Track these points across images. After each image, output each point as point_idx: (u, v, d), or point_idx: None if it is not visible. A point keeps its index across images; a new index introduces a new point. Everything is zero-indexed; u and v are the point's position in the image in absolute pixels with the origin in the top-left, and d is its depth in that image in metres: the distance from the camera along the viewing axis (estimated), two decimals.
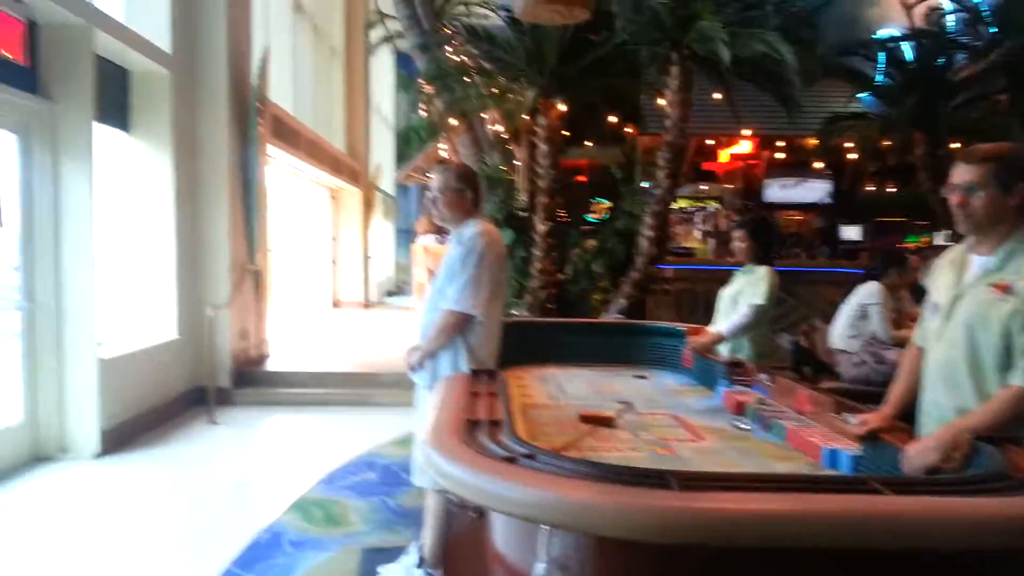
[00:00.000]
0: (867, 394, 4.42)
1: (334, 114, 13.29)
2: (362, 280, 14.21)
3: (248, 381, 6.78)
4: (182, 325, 6.24)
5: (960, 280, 2.20)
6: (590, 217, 10.49)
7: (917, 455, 1.94)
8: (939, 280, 2.32)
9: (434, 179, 3.10)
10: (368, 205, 14.68)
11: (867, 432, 2.15)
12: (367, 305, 14.24)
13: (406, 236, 19.16)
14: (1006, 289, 2.05)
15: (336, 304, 13.72)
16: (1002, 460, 1.69)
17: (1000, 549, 1.44)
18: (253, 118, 6.91)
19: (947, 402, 2.18)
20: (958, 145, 9.59)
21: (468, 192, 3.04)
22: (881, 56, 9.46)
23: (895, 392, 2.36)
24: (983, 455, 1.79)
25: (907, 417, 2.29)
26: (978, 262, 2.18)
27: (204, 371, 6.27)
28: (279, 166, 9.64)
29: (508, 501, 1.46)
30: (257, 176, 7.02)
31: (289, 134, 8.97)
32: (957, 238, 2.34)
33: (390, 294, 17.56)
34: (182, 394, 6.15)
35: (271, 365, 7.29)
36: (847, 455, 2.18)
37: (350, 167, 13.30)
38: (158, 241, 6.10)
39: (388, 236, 18.78)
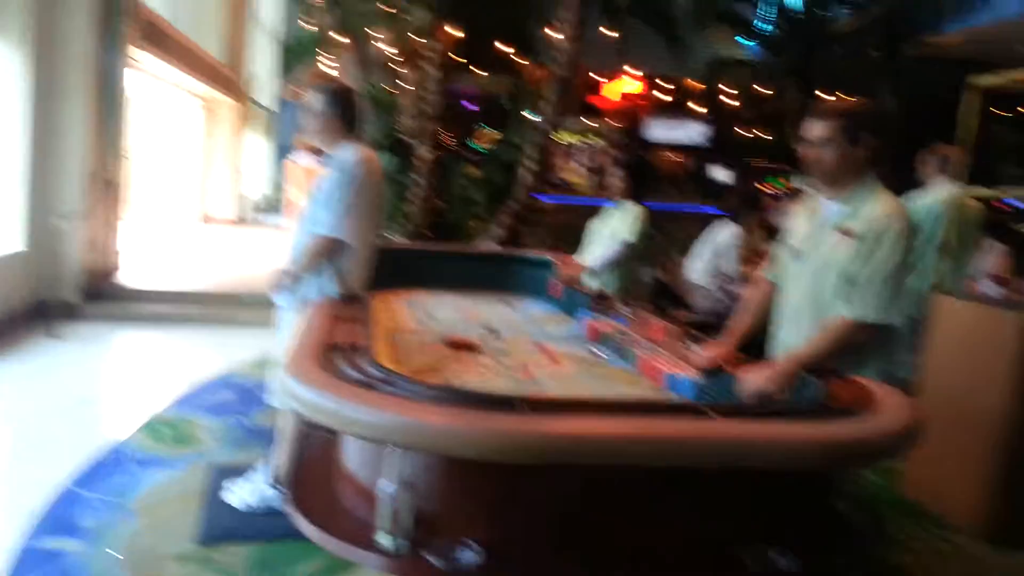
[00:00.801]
0: (718, 326, 4.70)
1: (213, 22, 12.40)
2: (234, 196, 13.58)
3: (99, 296, 6.37)
4: (29, 236, 5.77)
5: (813, 226, 2.36)
6: (477, 146, 10.39)
7: (752, 382, 2.09)
8: (796, 225, 2.49)
9: (309, 98, 2.97)
10: (244, 118, 13.94)
11: (712, 363, 2.28)
12: (239, 222, 13.66)
13: (283, 152, 18.35)
14: (849, 233, 2.22)
15: (206, 219, 13.08)
16: (823, 391, 1.85)
17: (816, 469, 1.59)
18: (118, 18, 6.35)
19: (795, 340, 2.34)
20: (823, 96, 10.09)
21: (343, 114, 2.92)
22: (772, 6, 9.71)
23: (737, 324, 2.53)
24: (807, 386, 1.95)
25: (749, 348, 2.46)
26: (829, 209, 2.34)
27: (51, 285, 5.86)
28: (149, 72, 8.97)
29: (359, 424, 1.47)
30: (119, 80, 6.49)
31: (161, 39, 8.34)
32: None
33: (264, 212, 16.90)
34: (27, 308, 5.73)
35: (127, 280, 6.90)
36: (689, 381, 2.33)
37: (227, 78, 12.52)
38: (5, 144, 5.57)
39: (265, 152, 17.93)
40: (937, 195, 4.30)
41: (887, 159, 2.37)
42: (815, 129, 2.26)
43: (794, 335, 2.36)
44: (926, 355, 3.64)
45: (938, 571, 2.93)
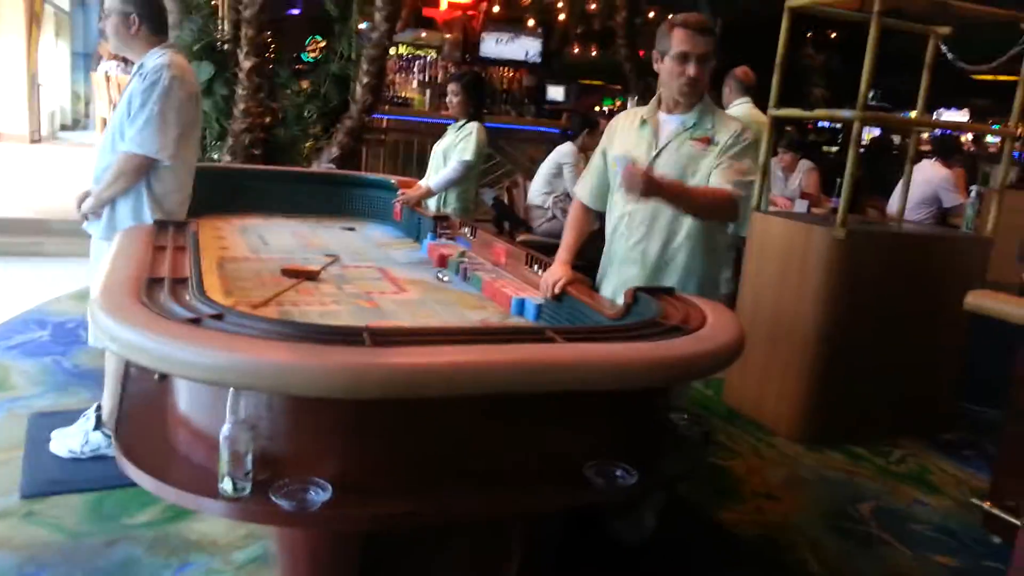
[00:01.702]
0: (556, 246, 4.83)
1: None
2: (28, 110, 12.11)
3: None
4: None
5: (656, 138, 2.43)
6: (307, 56, 9.78)
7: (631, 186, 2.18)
8: (626, 137, 2.52)
9: None
10: (34, 20, 12.31)
11: (560, 291, 2.33)
12: (36, 139, 12.26)
13: (86, 61, 16.50)
14: (708, 141, 2.36)
15: None
16: (657, 308, 1.94)
17: (652, 386, 1.68)
18: None
19: (655, 246, 2.44)
20: (652, 14, 10.32)
21: (137, 15, 2.61)
22: None
23: (569, 243, 2.57)
24: (641, 303, 2.04)
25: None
26: (674, 120, 2.42)
27: None
28: None
29: (190, 366, 1.37)
30: None
31: None
32: (647, 103, 2.55)
33: (65, 128, 15.25)
34: None
35: None
36: (533, 304, 2.38)
37: None
38: None
39: (63, 59, 16.03)
40: (739, 115, 4.52)
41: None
42: (701, 45, 2.29)
43: (654, 243, 2.44)
44: (745, 271, 3.93)
45: (760, 472, 3.23)
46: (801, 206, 5.18)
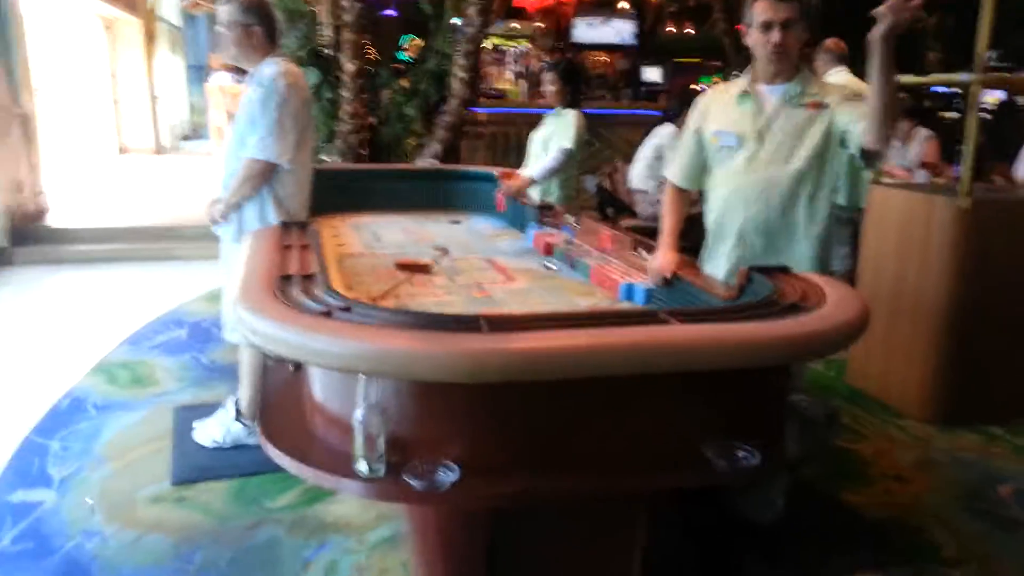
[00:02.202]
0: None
1: None
2: (151, 123, 12.92)
3: (28, 239, 6.11)
4: None
5: (759, 110, 2.39)
6: (404, 55, 10.02)
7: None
8: (726, 114, 2.48)
9: (219, 11, 2.79)
10: (150, 37, 13.11)
11: (665, 274, 2.32)
12: (159, 151, 13.07)
13: (199, 73, 17.42)
14: (819, 105, 2.32)
15: (123, 150, 12.47)
16: (771, 287, 1.91)
17: (770, 365, 1.66)
18: None
19: (776, 216, 2.41)
20: None
21: (257, 26, 2.75)
22: None
23: (671, 227, 2.55)
24: (756, 283, 2.01)
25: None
26: (777, 91, 2.38)
27: None
28: None
29: (325, 355, 1.46)
30: (9, 4, 6.01)
31: None
32: None
33: (186, 138, 16.17)
34: None
35: (54, 220, 6.60)
36: (641, 288, 2.38)
37: None
38: None
39: (178, 73, 16.99)
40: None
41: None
42: (783, 11, 2.27)
43: (774, 212, 2.41)
44: (863, 246, 3.77)
45: (889, 454, 3.12)
46: (921, 176, 4.92)
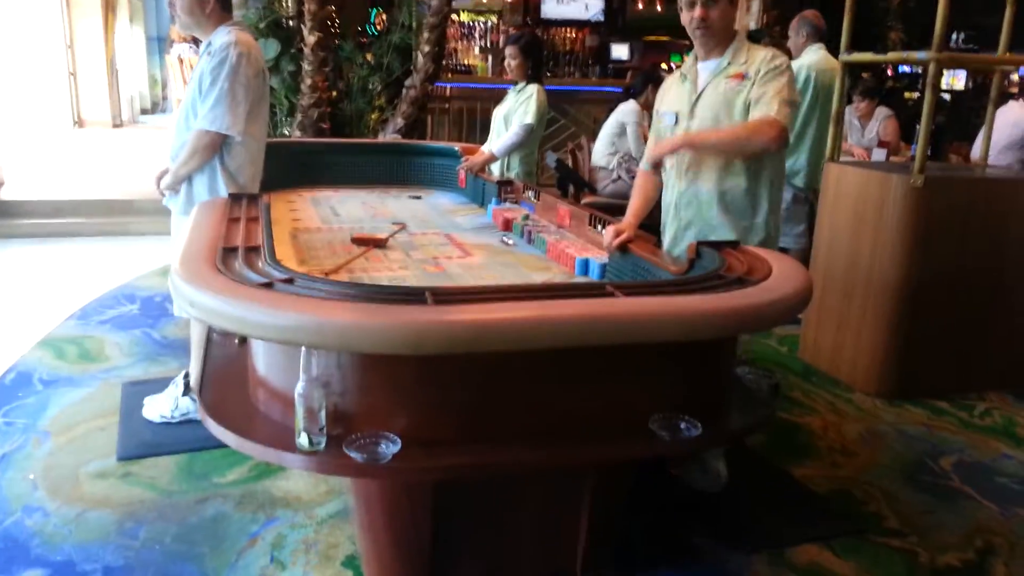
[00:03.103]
0: (622, 207, 4.79)
1: None
2: (109, 95, 12.60)
3: None
4: None
5: (695, 87, 2.48)
6: (372, 29, 9.84)
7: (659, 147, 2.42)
8: (670, 94, 2.61)
9: None
10: (109, 7, 12.75)
11: (619, 245, 2.34)
12: (118, 124, 12.78)
13: (160, 44, 17.03)
14: (742, 77, 2.38)
15: (80, 123, 12.16)
16: (720, 261, 1.92)
17: (715, 338, 1.67)
18: None
19: (704, 187, 2.49)
20: None
21: None
22: None
23: (635, 207, 2.61)
24: (705, 257, 2.03)
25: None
26: (708, 66, 2.47)
27: None
28: None
29: (264, 327, 1.44)
30: None
31: None
32: None
33: (144, 112, 15.81)
34: None
35: (6, 194, 6.43)
36: (597, 263, 2.39)
37: None
38: None
39: (138, 44, 16.58)
40: (810, 62, 4.35)
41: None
42: None
43: (703, 184, 2.48)
44: (819, 224, 3.81)
45: (837, 428, 3.17)
46: (879, 155, 4.98)
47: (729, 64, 2.42)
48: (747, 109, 2.35)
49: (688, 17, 2.40)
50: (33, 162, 7.98)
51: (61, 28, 11.78)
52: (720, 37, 2.41)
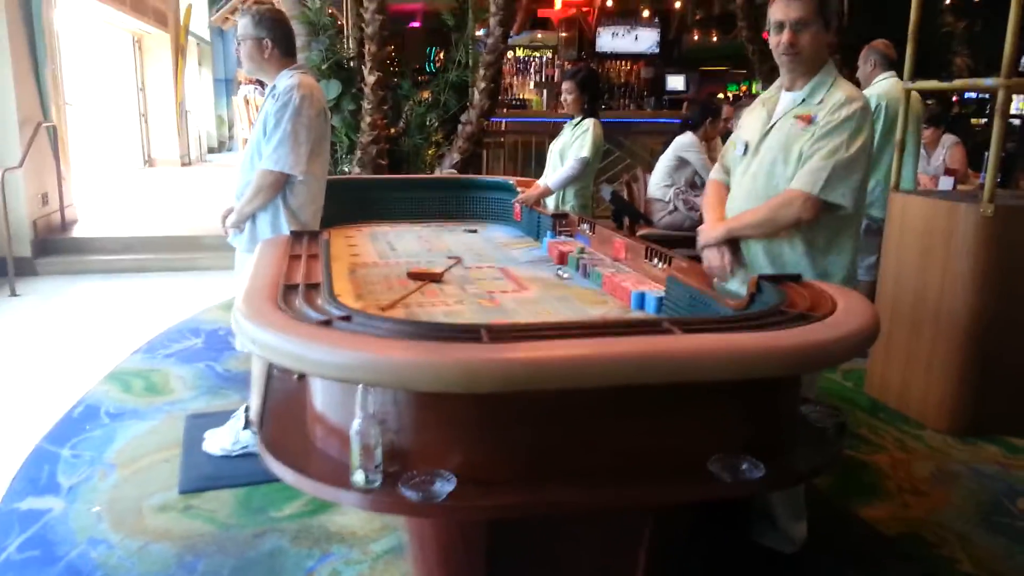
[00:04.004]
0: (679, 239, 4.74)
1: None
2: (178, 135, 13.13)
3: (53, 249, 6.24)
4: None
5: (770, 118, 2.30)
6: (432, 67, 10.06)
7: (703, 235, 2.30)
8: (749, 120, 2.43)
9: (238, 24, 2.83)
10: (180, 51, 13.34)
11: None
12: (186, 163, 13.27)
13: (226, 86, 17.72)
14: (809, 120, 2.18)
15: (150, 163, 12.68)
16: (780, 296, 1.87)
17: (776, 376, 1.62)
18: None
19: (753, 246, 2.31)
20: None
21: (269, 40, 2.78)
22: None
23: (711, 218, 2.44)
24: (766, 292, 1.98)
25: None
26: (787, 98, 2.28)
27: (1, 242, 5.69)
28: (71, 7, 8.49)
29: (322, 364, 1.45)
30: (43, 17, 6.14)
31: None
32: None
33: (212, 151, 16.41)
34: None
35: (79, 231, 6.72)
36: (653, 297, 2.35)
37: (155, 8, 11.90)
38: None
39: (206, 86, 17.28)
40: (881, 91, 4.26)
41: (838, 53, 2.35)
42: (793, 11, 2.15)
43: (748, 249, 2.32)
44: (884, 255, 3.71)
45: (907, 466, 3.05)
46: (946, 183, 4.83)
47: (804, 101, 2.23)
48: (800, 160, 2.18)
49: (776, 41, 2.20)
50: (105, 200, 8.33)
51: (133, 71, 12.36)
52: (808, 66, 2.21)
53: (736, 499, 2.26)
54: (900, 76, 4.11)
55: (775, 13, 2.19)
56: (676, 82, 11.75)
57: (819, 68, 2.23)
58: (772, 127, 2.28)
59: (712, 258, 2.27)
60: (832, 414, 1.89)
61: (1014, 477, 2.97)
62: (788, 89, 2.29)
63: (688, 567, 2.26)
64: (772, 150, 2.25)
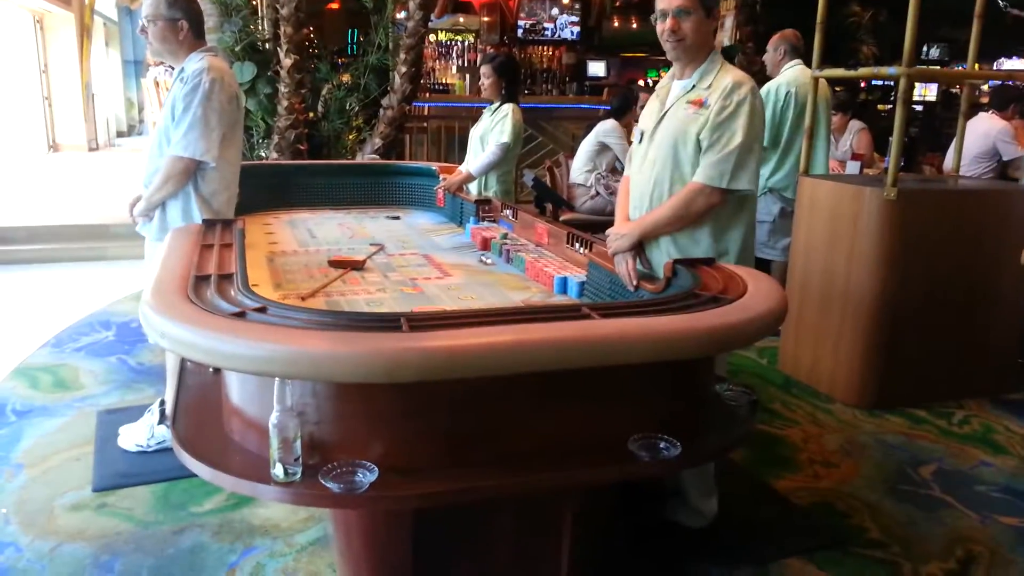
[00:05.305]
0: (600, 223, 4.81)
1: None
2: (84, 119, 12.53)
3: None
4: None
5: (663, 106, 2.35)
6: (353, 49, 9.82)
7: (613, 239, 2.29)
8: (646, 110, 2.47)
9: (143, 6, 2.70)
10: (85, 31, 12.70)
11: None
12: (93, 148, 12.69)
13: (135, 68, 16.98)
14: (701, 104, 2.23)
15: (55, 148, 12.07)
16: (694, 280, 1.93)
17: (684, 357, 1.67)
18: None
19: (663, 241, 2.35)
20: None
21: (182, 20, 2.67)
22: None
23: (619, 215, 2.49)
24: (681, 276, 2.03)
25: None
26: (678, 86, 2.34)
27: None
28: None
29: (236, 358, 1.41)
30: None
31: None
32: None
33: (121, 135, 15.72)
34: None
35: None
36: (576, 282, 2.39)
37: None
38: None
39: (114, 68, 16.51)
40: (790, 78, 4.40)
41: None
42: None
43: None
44: (795, 236, 3.85)
45: (818, 439, 3.19)
46: (853, 167, 5.04)
47: (694, 87, 2.27)
48: (699, 144, 2.22)
49: (661, 29, 2.24)
50: (7, 188, 7.89)
51: (35, 53, 11.71)
52: (693, 53, 2.26)
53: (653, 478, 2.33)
54: (808, 64, 4.26)
55: (659, 2, 2.25)
56: (597, 68, 11.84)
57: (706, 55, 2.29)
58: (665, 114, 2.33)
59: (619, 267, 2.28)
60: (745, 392, 1.96)
61: (917, 447, 3.15)
62: (679, 78, 2.35)
63: (610, 546, 2.31)
64: (669, 135, 2.29)
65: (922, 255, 3.40)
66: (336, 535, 1.82)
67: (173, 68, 2.80)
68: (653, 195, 2.33)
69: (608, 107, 5.74)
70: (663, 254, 2.31)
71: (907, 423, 3.36)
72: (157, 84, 9.66)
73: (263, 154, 6.44)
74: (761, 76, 4.55)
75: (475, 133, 4.11)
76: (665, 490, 2.53)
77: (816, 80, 3.79)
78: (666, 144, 2.29)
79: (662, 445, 1.62)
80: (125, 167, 10.09)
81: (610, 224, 2.48)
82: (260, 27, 6.68)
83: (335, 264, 2.73)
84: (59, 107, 12.29)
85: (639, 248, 2.30)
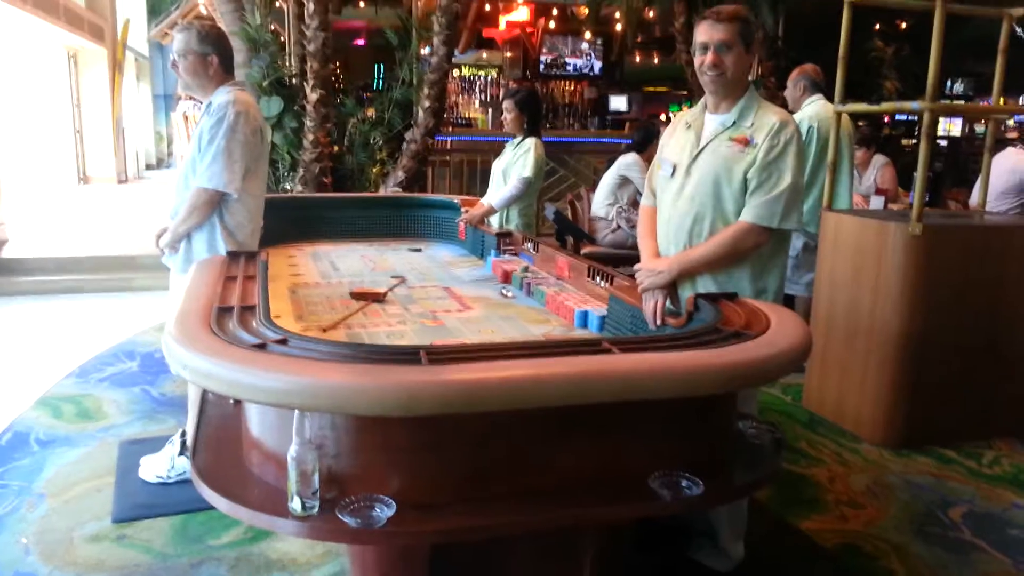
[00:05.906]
0: (621, 257, 4.80)
1: None
2: (114, 152, 12.79)
3: None
4: None
5: (698, 140, 2.31)
6: (379, 84, 9.98)
7: (647, 275, 2.24)
8: (674, 141, 2.42)
9: (174, 41, 2.77)
10: (117, 67, 13.03)
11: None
12: (123, 180, 12.93)
13: (165, 102, 17.37)
14: (746, 142, 2.22)
15: (85, 180, 12.32)
16: (716, 314, 1.91)
17: (706, 392, 1.64)
18: None
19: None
20: None
21: (213, 55, 2.72)
22: None
23: (649, 249, 2.44)
24: (703, 311, 2.01)
25: None
26: (715, 120, 2.30)
27: None
28: (1, 20, 8.22)
29: (256, 389, 1.42)
30: None
31: None
32: None
33: (150, 167, 16.03)
34: None
35: (10, 251, 6.48)
36: (596, 315, 2.38)
37: (91, 22, 11.61)
38: None
39: (144, 102, 16.90)
40: (812, 113, 4.39)
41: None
42: (717, 32, 2.18)
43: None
44: (818, 272, 3.81)
45: (844, 479, 3.12)
46: (877, 203, 5.00)
47: (735, 124, 2.25)
48: (745, 182, 2.20)
49: (700, 61, 2.22)
50: (37, 219, 8.05)
51: (68, 87, 12.02)
52: (731, 88, 2.24)
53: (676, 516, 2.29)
54: (828, 99, 4.25)
55: (700, 35, 2.24)
56: (619, 102, 11.92)
57: (743, 91, 2.28)
58: (703, 149, 2.30)
59: (646, 303, 2.25)
60: (769, 430, 1.93)
61: (945, 488, 3.07)
62: (713, 111, 2.33)
63: None
64: (710, 172, 2.26)
65: (948, 291, 3.35)
66: (353, 570, 1.80)
67: (201, 102, 2.85)
68: (693, 231, 2.30)
69: (630, 141, 5.75)
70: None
71: (935, 463, 3.28)
72: (186, 118, 9.88)
73: (288, 187, 6.53)
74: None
75: (497, 167, 4.14)
76: (690, 527, 2.49)
77: (839, 115, 3.78)
78: (707, 180, 2.26)
79: (684, 483, 1.60)
80: (153, 199, 10.26)
81: (631, 258, 2.45)
82: (287, 63, 6.82)
83: (357, 296, 2.74)
84: (90, 140, 12.57)
85: (672, 286, 2.27)
